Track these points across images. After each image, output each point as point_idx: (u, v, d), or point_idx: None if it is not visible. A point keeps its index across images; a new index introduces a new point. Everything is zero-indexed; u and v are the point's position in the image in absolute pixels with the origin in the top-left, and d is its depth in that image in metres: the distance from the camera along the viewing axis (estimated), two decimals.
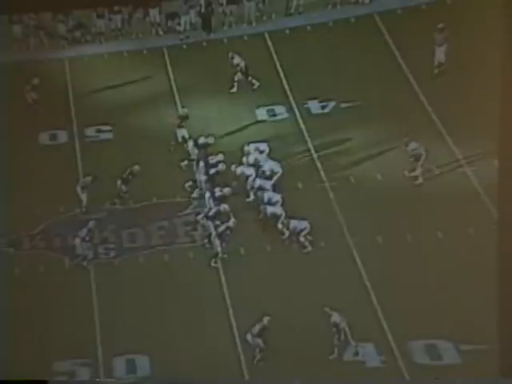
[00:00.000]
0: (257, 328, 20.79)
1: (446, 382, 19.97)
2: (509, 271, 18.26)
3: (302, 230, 22.74)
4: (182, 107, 26.10)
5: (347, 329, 20.64)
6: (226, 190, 23.80)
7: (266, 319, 20.74)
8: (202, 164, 24.46)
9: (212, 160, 24.49)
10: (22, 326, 21.78)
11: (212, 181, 24.22)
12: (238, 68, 26.65)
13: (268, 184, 23.84)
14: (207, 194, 23.91)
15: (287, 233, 22.95)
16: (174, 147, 25.35)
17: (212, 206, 23.66)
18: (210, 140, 25.03)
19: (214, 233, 23.07)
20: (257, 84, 26.62)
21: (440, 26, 25.67)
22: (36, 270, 23.18)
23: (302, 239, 22.73)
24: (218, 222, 23.19)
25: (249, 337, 20.85)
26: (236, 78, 26.56)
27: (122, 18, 28.98)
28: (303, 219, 22.84)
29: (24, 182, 24.56)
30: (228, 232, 23.05)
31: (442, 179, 23.56)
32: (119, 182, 24.15)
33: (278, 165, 24.18)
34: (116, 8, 28.70)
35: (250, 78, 26.61)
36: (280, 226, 23.04)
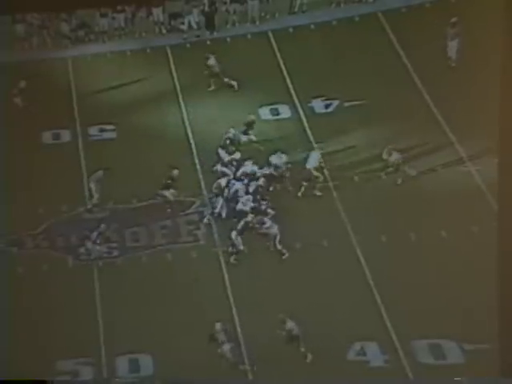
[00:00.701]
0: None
1: (449, 382, 19.95)
2: (509, 269, 18.23)
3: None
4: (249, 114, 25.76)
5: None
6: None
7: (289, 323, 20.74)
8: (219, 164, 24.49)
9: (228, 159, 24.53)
10: (24, 326, 21.80)
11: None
12: (213, 70, 26.65)
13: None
14: (219, 196, 23.90)
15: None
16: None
17: (223, 206, 23.68)
18: (237, 156, 24.88)
19: (233, 232, 22.94)
20: (235, 84, 26.59)
21: (453, 20, 25.63)
22: (39, 270, 23.18)
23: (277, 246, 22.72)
24: (234, 220, 23.20)
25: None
26: (212, 80, 26.58)
27: (125, 17, 28.97)
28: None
29: (27, 181, 24.56)
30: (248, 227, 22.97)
31: (446, 178, 23.53)
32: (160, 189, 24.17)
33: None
34: (119, 7, 28.71)
35: (226, 80, 26.57)
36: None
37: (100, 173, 24.35)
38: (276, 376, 20.49)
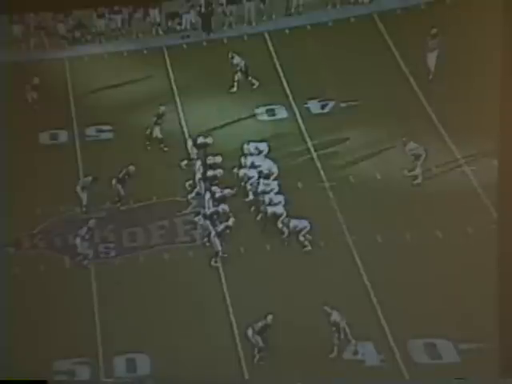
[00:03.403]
0: (259, 325, 20.84)
1: (445, 382, 20.01)
2: (508, 270, 18.31)
3: (301, 230, 22.79)
4: (160, 105, 26.07)
5: (347, 328, 20.68)
6: (227, 192, 23.87)
7: (269, 317, 20.80)
8: (199, 164, 24.56)
9: (210, 161, 24.60)
10: (22, 326, 21.82)
11: (210, 181, 24.29)
12: (238, 68, 26.71)
13: (270, 185, 23.92)
14: (207, 195, 23.97)
15: (287, 232, 23.00)
16: (166, 144, 25.45)
17: (211, 206, 23.72)
18: (209, 140, 25.10)
19: (213, 232, 23.11)
20: (256, 84, 26.65)
21: (433, 31, 25.70)
22: (36, 270, 23.20)
23: (301, 238, 22.78)
24: (216, 222, 23.25)
25: (250, 332, 20.88)
26: (236, 78, 26.60)
27: (122, 17, 28.96)
28: (303, 218, 22.89)
29: (24, 181, 24.56)
30: (228, 231, 23.10)
31: (442, 179, 23.57)
32: (114, 182, 24.23)
33: (275, 165, 24.28)
34: (116, 8, 28.72)
35: (249, 78, 26.65)
36: (280, 225, 23.10)
37: (88, 179, 24.39)
38: (271, 376, 20.56)
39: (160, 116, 25.74)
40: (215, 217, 23.38)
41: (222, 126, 25.65)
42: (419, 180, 23.62)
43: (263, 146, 24.83)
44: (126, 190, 24.37)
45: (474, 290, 20.52)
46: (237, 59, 26.68)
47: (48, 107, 26.39)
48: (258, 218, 23.61)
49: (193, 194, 24.33)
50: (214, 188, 24.11)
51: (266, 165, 24.33)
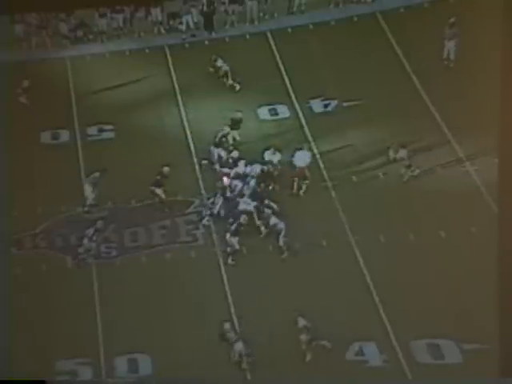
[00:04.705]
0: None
1: (447, 382, 19.96)
2: (509, 270, 18.22)
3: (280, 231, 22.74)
4: (237, 111, 25.66)
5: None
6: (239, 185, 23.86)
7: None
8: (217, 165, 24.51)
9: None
10: (23, 326, 21.77)
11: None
12: (221, 72, 26.72)
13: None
14: (218, 196, 23.90)
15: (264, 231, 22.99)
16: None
17: (222, 206, 23.71)
18: (235, 154, 24.85)
19: (228, 233, 22.95)
20: (238, 87, 26.62)
21: (451, 20, 25.67)
22: (38, 270, 23.17)
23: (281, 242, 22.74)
24: (230, 220, 23.21)
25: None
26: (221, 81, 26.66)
27: (123, 17, 29.02)
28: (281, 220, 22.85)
29: (26, 181, 24.53)
30: (241, 229, 22.99)
31: (445, 178, 23.54)
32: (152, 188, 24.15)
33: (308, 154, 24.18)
34: (118, 7, 28.73)
35: (231, 82, 26.63)
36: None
37: (96, 174, 24.34)
38: (275, 375, 20.51)
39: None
40: (228, 216, 23.32)
41: (224, 125, 25.59)
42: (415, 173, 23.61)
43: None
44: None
45: (478, 289, 20.46)
46: (219, 62, 26.69)
47: (49, 106, 26.38)
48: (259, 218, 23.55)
49: (206, 195, 24.22)
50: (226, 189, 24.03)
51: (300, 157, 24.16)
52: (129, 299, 22.27)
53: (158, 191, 24.08)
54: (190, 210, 24.20)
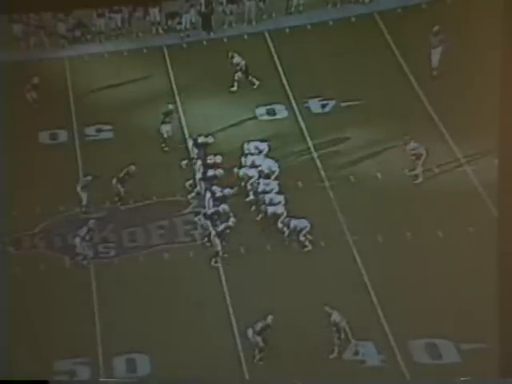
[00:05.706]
0: (259, 325, 20.81)
1: (445, 382, 19.98)
2: (508, 270, 18.27)
3: (302, 229, 22.76)
4: (168, 103, 26.07)
5: (347, 328, 20.65)
6: (227, 191, 23.85)
7: (269, 318, 20.77)
8: (199, 163, 24.54)
9: (210, 160, 24.56)
10: (22, 326, 21.78)
11: (210, 181, 24.25)
12: (238, 67, 26.68)
13: (270, 185, 23.89)
14: (207, 194, 23.94)
15: (287, 232, 22.97)
16: (167, 144, 25.39)
17: (211, 205, 23.69)
18: (210, 139, 25.06)
19: (213, 232, 23.08)
20: (257, 83, 26.62)
21: (435, 28, 25.68)
22: (36, 270, 23.18)
23: (302, 238, 22.75)
24: (217, 222, 23.22)
25: (250, 333, 20.85)
26: (236, 77, 26.57)
27: (122, 17, 28.95)
28: (303, 218, 22.86)
29: (24, 181, 24.51)
30: (228, 231, 23.07)
31: (443, 178, 23.56)
32: (114, 181, 24.20)
33: (276, 164, 24.27)
34: (116, 7, 28.69)
35: (250, 78, 26.62)
36: (280, 225, 23.07)
37: (88, 178, 24.35)
38: (272, 375, 20.54)
39: (168, 114, 25.69)
40: (215, 217, 23.35)
41: (223, 126, 25.61)
42: (420, 179, 23.59)
43: (263, 146, 24.80)
44: (125, 190, 24.32)
45: (476, 289, 20.49)
46: (237, 59, 26.65)
47: (48, 107, 26.37)
48: (258, 218, 23.58)
49: (193, 194, 24.30)
50: (214, 188, 24.07)
51: (267, 164, 24.30)
52: (127, 299, 22.29)
53: (121, 189, 24.24)
54: (188, 210, 24.21)
